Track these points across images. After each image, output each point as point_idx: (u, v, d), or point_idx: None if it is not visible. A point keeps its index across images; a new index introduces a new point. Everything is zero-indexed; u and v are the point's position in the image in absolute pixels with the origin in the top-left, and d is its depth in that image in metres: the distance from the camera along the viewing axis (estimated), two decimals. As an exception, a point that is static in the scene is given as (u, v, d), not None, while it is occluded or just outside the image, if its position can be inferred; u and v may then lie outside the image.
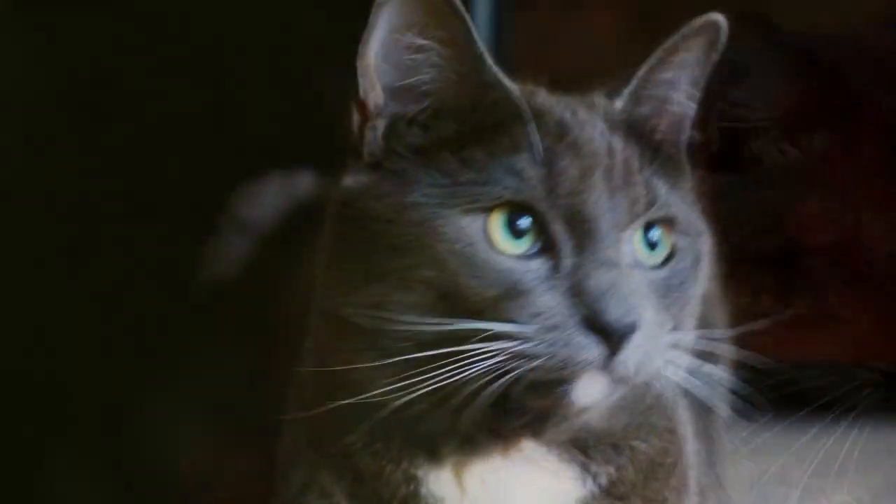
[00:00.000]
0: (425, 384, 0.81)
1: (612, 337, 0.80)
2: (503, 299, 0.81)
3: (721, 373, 0.93)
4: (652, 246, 0.86)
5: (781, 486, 1.43)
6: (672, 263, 0.87)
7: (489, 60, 0.86)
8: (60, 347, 1.57)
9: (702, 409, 1.00)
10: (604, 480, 0.90)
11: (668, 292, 0.86)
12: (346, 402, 0.85)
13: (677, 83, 0.91)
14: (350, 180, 0.87)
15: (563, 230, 0.83)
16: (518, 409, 0.84)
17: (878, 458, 1.53)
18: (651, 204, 0.86)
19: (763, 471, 1.44)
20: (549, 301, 0.81)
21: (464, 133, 0.85)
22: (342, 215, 0.87)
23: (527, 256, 0.83)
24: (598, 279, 0.81)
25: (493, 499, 0.88)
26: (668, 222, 0.87)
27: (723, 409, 1.12)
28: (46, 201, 1.60)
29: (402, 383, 0.81)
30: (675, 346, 0.85)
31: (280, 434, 0.95)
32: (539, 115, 0.86)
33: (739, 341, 1.12)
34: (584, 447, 0.89)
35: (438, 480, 0.88)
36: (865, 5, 1.49)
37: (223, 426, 1.18)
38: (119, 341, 1.54)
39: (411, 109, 0.87)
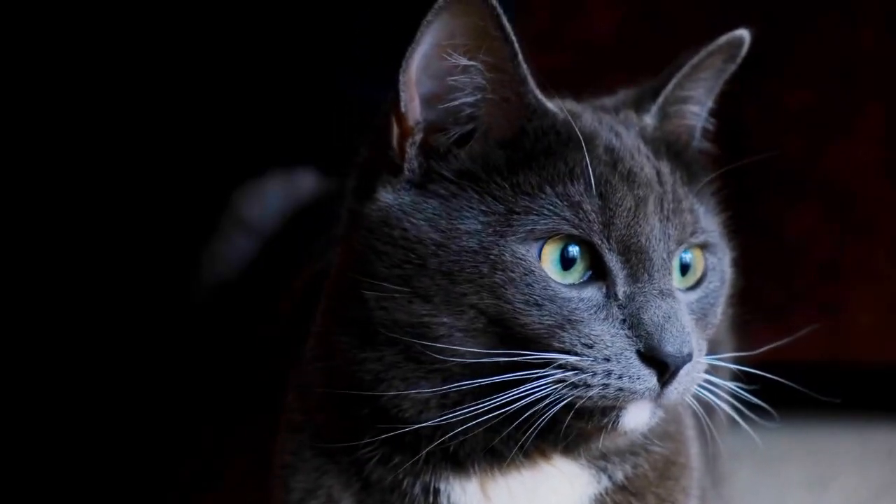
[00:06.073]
0: (477, 411, 0.82)
1: (668, 368, 0.82)
2: (557, 328, 0.82)
3: (722, 374, 0.93)
4: (685, 268, 0.88)
5: (780, 486, 1.43)
6: (704, 284, 0.89)
7: (532, 84, 0.86)
8: (58, 348, 1.58)
9: (701, 411, 1.00)
10: (620, 476, 0.91)
11: (704, 314, 0.88)
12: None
13: (698, 98, 0.93)
14: (389, 197, 0.86)
15: (617, 260, 0.84)
16: (562, 430, 0.85)
17: (878, 458, 1.53)
18: (695, 229, 0.87)
19: (761, 471, 1.45)
20: (605, 331, 0.83)
21: (515, 160, 0.85)
22: (380, 232, 0.86)
23: (580, 285, 0.84)
24: (655, 310, 0.83)
25: None
26: (704, 246, 0.89)
27: (722, 409, 1.12)
28: (42, 198, 1.61)
29: (459, 409, 0.83)
30: (709, 368, 0.88)
31: (275, 436, 0.95)
32: (588, 140, 0.86)
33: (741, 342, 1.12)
34: (603, 453, 0.91)
35: (462, 492, 0.89)
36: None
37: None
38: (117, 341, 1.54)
39: (455, 131, 0.86)
